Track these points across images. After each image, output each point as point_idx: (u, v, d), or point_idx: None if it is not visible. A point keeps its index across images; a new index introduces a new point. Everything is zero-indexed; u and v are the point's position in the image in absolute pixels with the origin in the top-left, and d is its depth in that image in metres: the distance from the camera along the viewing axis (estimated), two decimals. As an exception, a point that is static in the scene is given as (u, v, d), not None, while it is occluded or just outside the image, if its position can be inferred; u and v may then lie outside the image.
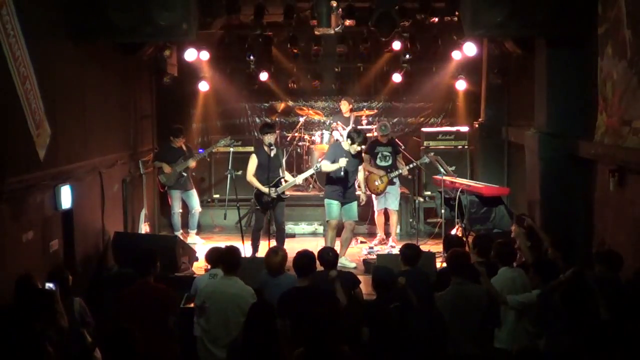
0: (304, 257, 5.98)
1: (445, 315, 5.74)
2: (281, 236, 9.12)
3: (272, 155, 8.90)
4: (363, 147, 9.01)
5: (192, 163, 10.34)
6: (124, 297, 5.82)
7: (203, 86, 12.01)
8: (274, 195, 8.84)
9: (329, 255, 6.46)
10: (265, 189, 8.81)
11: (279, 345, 5.16)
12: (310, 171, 9.48)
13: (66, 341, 5.50)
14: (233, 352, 5.11)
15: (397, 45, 11.60)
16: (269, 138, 8.90)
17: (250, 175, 8.92)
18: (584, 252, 7.89)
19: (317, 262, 6.17)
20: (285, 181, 9.02)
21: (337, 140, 9.19)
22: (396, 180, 10.09)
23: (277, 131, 9.27)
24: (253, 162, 8.92)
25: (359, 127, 9.12)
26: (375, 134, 10.51)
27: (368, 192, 9.72)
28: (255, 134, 12.66)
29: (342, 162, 8.73)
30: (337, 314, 5.51)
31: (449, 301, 5.76)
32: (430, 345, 5.71)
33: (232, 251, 6.07)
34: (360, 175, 9.28)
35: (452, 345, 5.82)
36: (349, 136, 9.01)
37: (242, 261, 6.06)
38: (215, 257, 6.47)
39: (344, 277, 6.55)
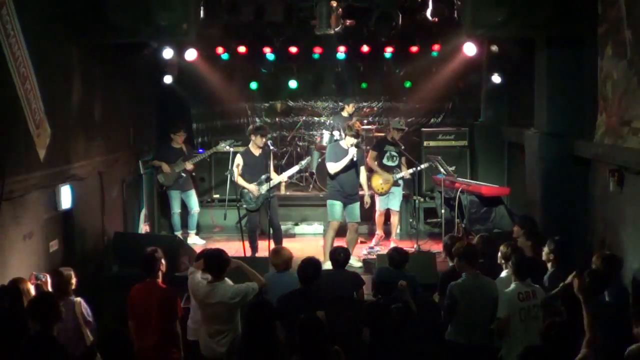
0: (309, 265, 6.01)
1: (460, 302, 5.80)
2: (278, 237, 9.14)
3: (257, 155, 9.04)
4: (355, 138, 8.86)
5: (189, 165, 10.31)
6: (131, 296, 5.85)
7: (203, 86, 12.06)
8: (261, 192, 8.92)
9: (340, 256, 6.61)
10: (251, 187, 8.95)
11: (279, 344, 5.17)
12: (295, 168, 9.57)
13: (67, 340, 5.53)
14: (233, 350, 5.12)
15: (396, 45, 11.59)
16: (260, 140, 9.02)
17: (236, 176, 9.02)
18: (584, 252, 7.91)
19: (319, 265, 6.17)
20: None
21: (335, 140, 9.19)
22: (400, 181, 10.10)
23: (266, 135, 9.35)
24: (239, 163, 9.03)
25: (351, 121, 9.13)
26: (391, 130, 10.42)
27: (370, 192, 9.65)
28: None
29: (352, 151, 8.73)
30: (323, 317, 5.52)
31: (466, 289, 5.84)
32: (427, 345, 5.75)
33: (216, 256, 5.94)
34: (363, 178, 9.22)
35: (463, 335, 5.85)
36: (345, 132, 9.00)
37: (227, 265, 5.90)
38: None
39: (354, 278, 6.58)
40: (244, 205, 9.18)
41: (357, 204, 9.02)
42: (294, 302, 5.70)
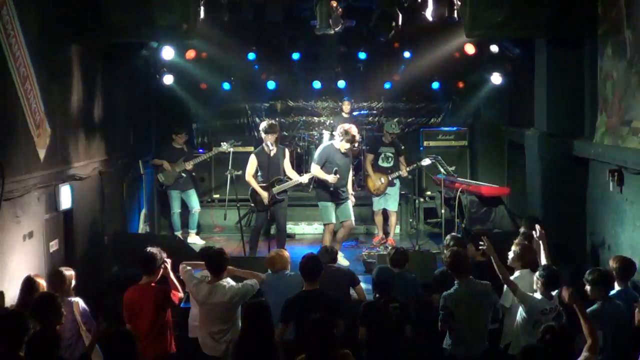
0: (310, 260, 5.95)
1: (455, 313, 5.65)
2: (282, 238, 9.05)
3: (272, 155, 8.88)
4: (351, 144, 8.78)
5: (189, 165, 10.30)
6: (126, 298, 5.84)
7: (203, 86, 12.04)
8: (270, 198, 8.81)
9: (327, 254, 6.60)
10: (262, 192, 8.79)
11: (276, 344, 5.17)
12: (307, 176, 9.35)
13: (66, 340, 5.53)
14: (230, 351, 5.12)
15: (396, 45, 11.60)
16: (271, 138, 8.86)
17: (249, 176, 8.88)
18: (583, 253, 7.91)
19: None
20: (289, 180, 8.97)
21: (329, 141, 9.15)
22: (396, 181, 10.09)
23: (278, 132, 9.19)
24: (253, 163, 8.89)
25: (347, 124, 9.06)
26: (385, 132, 10.42)
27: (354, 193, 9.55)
28: (256, 134, 12.68)
29: (332, 178, 8.59)
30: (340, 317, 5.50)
31: (459, 298, 5.69)
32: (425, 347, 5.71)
33: (217, 256, 5.98)
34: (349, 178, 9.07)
35: (462, 347, 5.74)
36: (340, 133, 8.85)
37: (227, 264, 5.96)
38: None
39: (348, 275, 6.57)
40: (252, 205, 9.10)
41: (349, 202, 8.91)
42: (303, 305, 5.61)
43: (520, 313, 5.66)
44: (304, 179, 9.05)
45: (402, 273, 6.48)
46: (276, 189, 8.86)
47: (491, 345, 5.87)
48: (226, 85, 12.24)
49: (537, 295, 5.64)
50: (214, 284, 5.81)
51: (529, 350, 4.43)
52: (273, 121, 9.41)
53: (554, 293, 5.62)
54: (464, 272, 5.77)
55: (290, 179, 8.95)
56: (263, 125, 8.97)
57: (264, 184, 8.86)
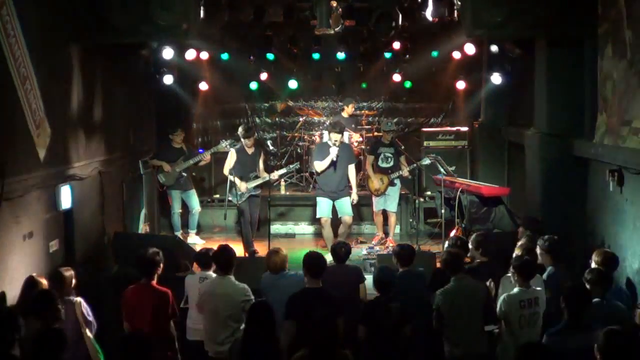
0: (315, 259, 5.92)
1: (447, 312, 5.69)
2: (253, 229, 9.50)
3: (250, 153, 9.36)
4: (337, 135, 9.12)
5: (207, 156, 10.42)
6: (126, 298, 5.83)
7: (203, 86, 12.02)
8: (246, 189, 9.24)
9: (341, 251, 6.58)
10: (239, 181, 9.20)
11: (279, 346, 5.16)
12: (282, 171, 9.87)
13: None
14: (234, 352, 5.12)
15: (397, 45, 11.61)
16: (249, 140, 9.32)
17: (227, 169, 9.31)
18: (583, 252, 7.91)
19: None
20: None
21: (324, 140, 9.44)
22: (397, 181, 10.09)
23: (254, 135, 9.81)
24: (232, 158, 9.36)
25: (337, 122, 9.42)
26: (382, 132, 10.50)
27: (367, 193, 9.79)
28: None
29: (333, 151, 9.04)
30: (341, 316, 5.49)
31: (450, 296, 5.73)
32: (426, 346, 5.70)
33: (225, 251, 6.04)
34: (352, 174, 9.40)
35: (453, 345, 5.76)
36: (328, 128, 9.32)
37: (235, 260, 6.05)
38: (205, 259, 6.47)
39: (355, 273, 6.56)
40: (229, 198, 9.31)
41: (346, 199, 9.29)
42: (306, 301, 5.60)
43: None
44: (274, 176, 9.65)
45: (409, 271, 6.41)
46: (250, 183, 9.28)
47: (491, 348, 5.86)
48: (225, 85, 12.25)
49: (515, 290, 5.68)
50: (223, 277, 5.86)
51: (527, 347, 4.40)
52: (249, 125, 9.74)
53: (532, 285, 5.67)
54: (457, 271, 5.87)
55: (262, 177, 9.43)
56: (240, 130, 9.49)
57: (242, 181, 9.29)
